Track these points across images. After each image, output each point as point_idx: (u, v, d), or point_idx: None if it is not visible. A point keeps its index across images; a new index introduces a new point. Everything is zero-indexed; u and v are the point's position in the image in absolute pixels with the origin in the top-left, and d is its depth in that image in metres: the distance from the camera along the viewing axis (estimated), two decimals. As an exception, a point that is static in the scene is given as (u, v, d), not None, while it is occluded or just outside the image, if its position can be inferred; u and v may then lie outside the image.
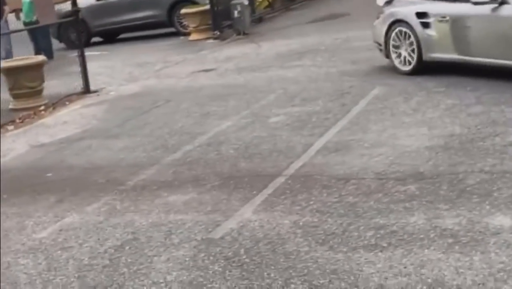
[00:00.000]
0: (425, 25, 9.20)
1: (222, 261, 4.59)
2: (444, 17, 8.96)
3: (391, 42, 9.70)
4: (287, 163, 6.54)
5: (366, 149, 6.60)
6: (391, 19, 9.74)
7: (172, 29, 18.85)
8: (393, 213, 4.98)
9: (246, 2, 16.60)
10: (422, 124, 7.13)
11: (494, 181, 5.33)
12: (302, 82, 10.18)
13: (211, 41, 16.40)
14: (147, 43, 18.25)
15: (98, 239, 5.32)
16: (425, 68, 9.27)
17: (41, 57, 11.89)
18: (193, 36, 17.18)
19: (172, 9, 18.48)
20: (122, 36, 20.38)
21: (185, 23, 17.93)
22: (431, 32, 9.14)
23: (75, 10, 11.55)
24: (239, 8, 16.25)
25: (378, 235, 4.63)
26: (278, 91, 9.77)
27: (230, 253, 4.68)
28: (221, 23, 16.50)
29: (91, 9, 18.70)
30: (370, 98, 8.59)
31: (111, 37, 20.04)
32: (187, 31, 17.93)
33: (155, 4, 18.61)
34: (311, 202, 5.45)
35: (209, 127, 8.34)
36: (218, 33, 16.41)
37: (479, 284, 3.80)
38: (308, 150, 6.85)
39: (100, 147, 8.15)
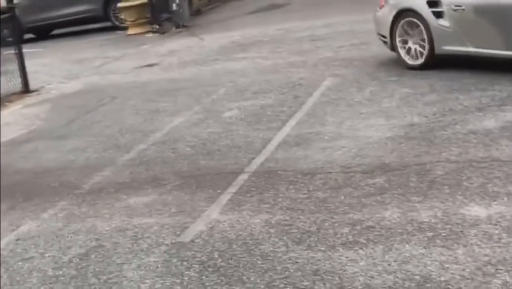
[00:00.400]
0: (438, 15, 8.28)
1: (197, 266, 4.41)
2: (459, 5, 8.05)
3: (398, 34, 8.78)
4: (248, 159, 6.39)
5: (327, 142, 6.50)
6: (398, 9, 8.78)
7: (108, 24, 18.48)
8: (366, 207, 4.89)
9: (184, -5, 16.36)
10: (380, 114, 7.07)
11: (462, 171, 5.28)
12: (250, 74, 10.04)
13: (150, 35, 16.13)
14: (83, 39, 17.87)
15: (60, 247, 5.08)
16: (437, 61, 8.47)
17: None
18: (131, 31, 16.86)
19: (108, 2, 18.10)
20: (55, 32, 19.91)
21: (121, 17, 17.56)
22: (444, 22, 8.22)
23: (11, 6, 11.10)
24: (177, 1, 16.03)
25: (355, 231, 4.53)
26: (227, 85, 9.60)
27: (204, 257, 4.51)
28: (160, 16, 16.21)
29: (22, 4, 18.12)
30: (323, 89, 8.50)
31: (44, 33, 19.54)
32: (124, 25, 17.58)
33: (90, -2, 18.19)
34: (280, 199, 5.31)
35: (161, 124, 8.12)
36: (157, 26, 16.14)
37: (467, 279, 3.73)
38: (268, 145, 6.71)
39: (48, 149, 7.86)
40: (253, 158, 6.38)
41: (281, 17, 15.63)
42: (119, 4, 17.19)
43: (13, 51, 11.75)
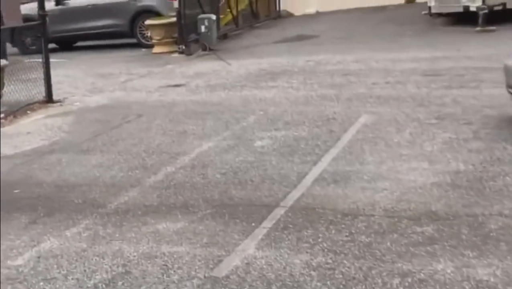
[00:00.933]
0: None
1: (234, 305, 4.08)
2: None
3: None
4: (283, 192, 6.07)
5: (367, 182, 6.18)
6: None
7: (132, 40, 18.27)
8: (415, 257, 4.55)
9: (214, 17, 16.14)
10: (422, 158, 6.75)
11: (516, 226, 4.95)
12: (281, 104, 9.75)
13: (176, 55, 15.88)
14: (107, 53, 17.65)
15: (85, 270, 4.75)
16: None
17: (1, 61, 11.16)
18: (157, 49, 16.63)
19: (135, 19, 17.91)
20: (78, 44, 19.71)
21: (148, 34, 17.35)
22: None
23: (43, 14, 10.87)
24: (206, 23, 15.78)
25: (406, 284, 4.19)
26: (257, 113, 9.31)
27: (241, 296, 4.18)
28: (188, 37, 15.98)
29: (49, 13, 17.90)
30: (358, 126, 8.19)
31: (67, 44, 19.34)
32: (149, 43, 17.37)
33: (117, 13, 18.03)
34: (320, 240, 4.98)
35: (189, 147, 7.82)
36: (184, 47, 15.88)
37: None
38: (304, 180, 6.39)
39: (72, 163, 7.55)
40: (289, 192, 6.06)
41: (309, 48, 15.37)
42: (147, 22, 16.97)
43: (37, 60, 11.49)
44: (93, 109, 10.40)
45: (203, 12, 16.60)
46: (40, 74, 11.18)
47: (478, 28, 15.53)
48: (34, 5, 12.14)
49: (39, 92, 11.15)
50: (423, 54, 13.16)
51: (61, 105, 10.94)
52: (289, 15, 23.02)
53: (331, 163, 6.83)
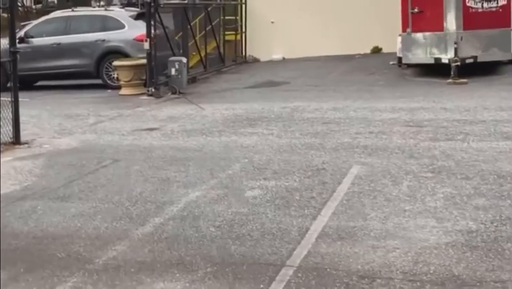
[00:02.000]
0: None
1: None
2: None
3: None
4: (287, 250, 5.64)
5: (375, 239, 5.78)
6: None
7: (98, 81, 17.76)
8: (450, 328, 4.14)
9: (185, 60, 15.77)
10: (427, 215, 6.40)
11: (548, 294, 4.59)
12: (265, 152, 9.35)
13: (145, 97, 15.44)
14: (71, 94, 17.12)
15: (81, 338, 4.22)
16: None
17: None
18: (124, 91, 16.16)
19: (102, 59, 17.42)
20: (39, 83, 19.07)
21: (115, 75, 16.86)
22: None
23: (14, 51, 10.35)
24: (177, 66, 15.41)
25: None
26: (241, 160, 8.89)
27: None
28: (157, 80, 15.55)
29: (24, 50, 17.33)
30: (351, 177, 7.83)
31: (28, 83, 18.66)
32: (115, 84, 16.89)
33: (83, 53, 17.54)
34: (339, 305, 4.54)
35: (175, 196, 7.35)
36: (153, 90, 15.44)
37: None
38: (306, 235, 5.97)
39: (49, 211, 7.00)
40: (293, 249, 5.63)
41: (282, 95, 15.09)
42: (115, 62, 16.50)
43: (4, 98, 10.90)
44: (64, 152, 9.85)
45: (174, 54, 16.24)
46: (7, 113, 10.58)
47: (449, 80, 15.47)
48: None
49: (5, 132, 10.54)
50: (400, 104, 12.97)
51: (29, 147, 10.37)
52: (255, 60, 22.84)
53: (332, 217, 6.43)
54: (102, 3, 28.48)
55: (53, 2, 36.04)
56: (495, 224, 6.07)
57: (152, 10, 15.47)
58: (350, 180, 7.72)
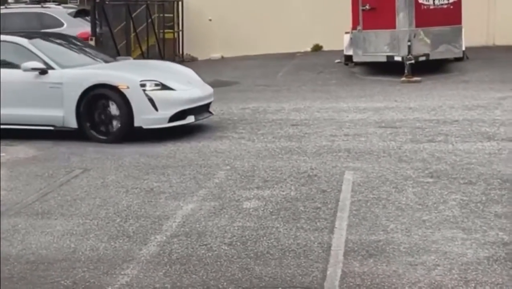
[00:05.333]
0: None
1: None
2: None
3: None
4: (318, 269, 5.16)
5: (409, 255, 5.37)
6: None
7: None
8: None
9: (131, 59, 15.01)
10: (450, 225, 6.03)
11: None
12: (244, 157, 8.83)
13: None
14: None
15: None
16: None
17: None
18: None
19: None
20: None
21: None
22: None
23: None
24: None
25: None
26: (223, 167, 8.35)
27: None
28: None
29: None
30: (349, 184, 7.41)
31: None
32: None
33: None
34: (405, 335, 4.09)
35: (168, 210, 6.76)
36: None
37: None
38: (332, 252, 5.51)
39: (32, 230, 6.31)
40: (325, 269, 5.16)
41: (237, 96, 14.57)
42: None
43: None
44: (25, 161, 9.07)
45: (118, 54, 15.48)
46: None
47: (403, 79, 15.29)
48: None
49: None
50: (362, 104, 12.68)
51: (-19, 155, 9.52)
52: (193, 59, 22.20)
53: (349, 230, 5.98)
54: None
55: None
56: (526, 234, 5.75)
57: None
58: (350, 188, 7.29)
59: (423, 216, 6.31)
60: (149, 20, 19.24)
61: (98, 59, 11.28)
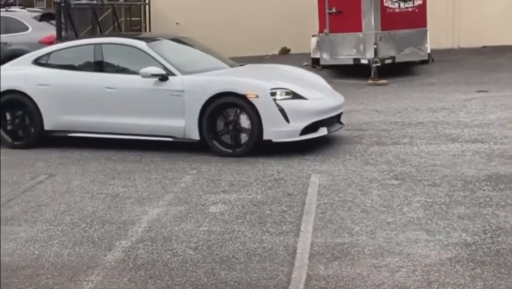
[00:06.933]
0: None
1: None
2: None
3: None
4: (283, 273, 5.18)
5: (373, 257, 5.41)
6: None
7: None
8: None
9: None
10: (414, 227, 6.09)
11: None
12: (211, 161, 8.80)
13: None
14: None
15: None
16: None
17: None
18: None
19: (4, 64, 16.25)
20: None
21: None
22: None
23: None
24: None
25: None
26: (190, 172, 8.35)
27: None
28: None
29: None
30: (315, 187, 7.44)
31: None
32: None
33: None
34: (369, 337, 4.12)
35: (133, 215, 6.74)
36: None
37: None
38: (297, 255, 5.53)
39: (-5, 236, 6.24)
40: (290, 272, 5.18)
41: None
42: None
43: None
44: (-12, 167, 8.97)
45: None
46: None
47: (370, 81, 15.40)
48: None
49: None
50: (329, 106, 12.68)
51: None
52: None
53: (315, 233, 6.02)
54: None
55: None
56: (488, 234, 5.83)
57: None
58: (316, 191, 7.33)
59: (387, 218, 6.36)
60: (116, 24, 19.18)
61: (220, 64, 10.30)
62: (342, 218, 6.41)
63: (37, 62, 10.18)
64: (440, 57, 17.68)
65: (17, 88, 9.90)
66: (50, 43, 14.69)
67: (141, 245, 5.89)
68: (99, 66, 9.77)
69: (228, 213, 6.69)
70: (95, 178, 8.21)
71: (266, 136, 8.77)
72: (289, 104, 8.84)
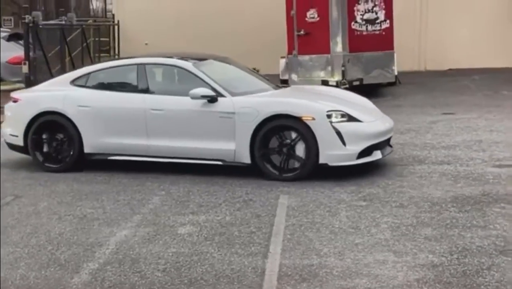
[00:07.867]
0: None
1: None
2: None
3: None
4: (252, 295, 5.17)
5: (341, 279, 5.44)
6: None
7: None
8: None
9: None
10: (381, 248, 6.13)
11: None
12: (179, 182, 8.79)
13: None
14: None
15: None
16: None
17: None
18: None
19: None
20: None
21: None
22: None
23: None
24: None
25: None
26: (159, 193, 8.32)
27: None
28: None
29: None
30: (284, 209, 7.46)
31: None
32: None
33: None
34: None
35: (101, 237, 6.70)
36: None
37: None
38: (265, 277, 5.54)
39: (-40, 259, 6.15)
40: (258, 294, 5.17)
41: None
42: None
43: None
44: (-46, 188, 8.86)
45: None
46: None
47: (338, 102, 15.46)
48: None
49: None
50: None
51: None
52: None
53: (283, 255, 6.03)
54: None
55: None
56: (455, 256, 5.88)
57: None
58: (284, 212, 7.35)
59: (355, 239, 6.39)
60: (84, 44, 19.14)
61: (264, 86, 9.90)
62: (311, 239, 6.44)
63: (75, 83, 9.81)
64: (407, 79, 17.89)
65: (55, 110, 9.57)
66: (18, 63, 14.64)
67: (108, 267, 5.85)
68: (143, 87, 9.45)
69: (197, 234, 6.68)
70: (63, 199, 8.15)
71: (322, 160, 8.58)
72: (346, 127, 8.65)
